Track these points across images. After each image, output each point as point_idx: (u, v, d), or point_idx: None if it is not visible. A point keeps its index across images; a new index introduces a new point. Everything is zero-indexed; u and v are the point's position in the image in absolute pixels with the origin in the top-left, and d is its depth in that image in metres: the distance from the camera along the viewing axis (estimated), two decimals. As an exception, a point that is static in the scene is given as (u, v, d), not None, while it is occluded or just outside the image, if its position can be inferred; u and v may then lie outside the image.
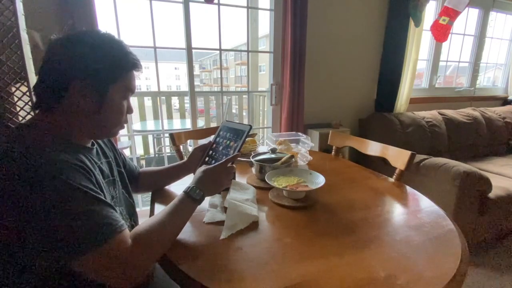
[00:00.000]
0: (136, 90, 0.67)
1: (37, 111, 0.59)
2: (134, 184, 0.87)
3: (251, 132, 0.86)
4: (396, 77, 2.41)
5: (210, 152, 0.88)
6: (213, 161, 0.83)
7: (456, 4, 2.29)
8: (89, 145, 0.67)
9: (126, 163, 0.86)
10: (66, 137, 0.59)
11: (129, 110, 0.68)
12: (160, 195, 0.91)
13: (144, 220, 0.61)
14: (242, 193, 0.86)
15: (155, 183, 0.94)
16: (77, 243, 0.47)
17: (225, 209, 0.78)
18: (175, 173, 0.94)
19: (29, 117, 0.96)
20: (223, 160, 0.76)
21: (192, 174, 0.90)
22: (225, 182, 0.76)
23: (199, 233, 0.69)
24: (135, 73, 0.66)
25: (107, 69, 0.58)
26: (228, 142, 0.85)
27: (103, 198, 0.54)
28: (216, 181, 0.73)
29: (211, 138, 0.92)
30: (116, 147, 0.83)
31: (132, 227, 0.73)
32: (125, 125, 0.70)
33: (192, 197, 0.65)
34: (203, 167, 0.74)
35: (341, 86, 2.41)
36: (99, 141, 0.76)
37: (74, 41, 0.57)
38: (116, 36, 0.63)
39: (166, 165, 0.99)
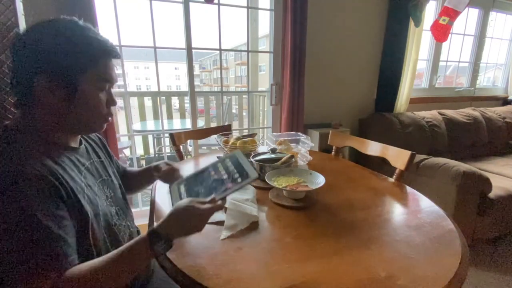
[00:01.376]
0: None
1: (17, 111, 0.57)
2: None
3: (252, 133, 0.85)
4: (396, 77, 2.41)
5: (198, 177, 0.74)
6: (199, 190, 0.69)
7: (456, 4, 2.29)
8: (75, 144, 0.64)
9: (119, 165, 0.86)
10: (46, 137, 0.56)
11: (112, 102, 0.64)
12: (160, 196, 0.91)
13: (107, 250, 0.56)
14: (242, 193, 0.86)
15: (129, 187, 0.88)
16: (7, 271, 0.44)
17: (225, 209, 0.78)
18: (149, 177, 0.89)
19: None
20: (208, 206, 0.58)
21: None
22: (199, 228, 0.58)
23: (199, 233, 0.69)
24: (114, 61, 0.61)
25: (72, 59, 0.54)
26: (225, 177, 0.68)
27: (52, 227, 0.47)
28: (191, 225, 0.57)
29: (215, 137, 0.89)
30: (107, 148, 0.80)
31: (128, 227, 0.72)
32: (110, 119, 0.65)
33: (154, 249, 0.52)
34: (183, 204, 0.57)
35: (341, 86, 2.41)
36: (90, 140, 0.74)
37: (34, 34, 0.54)
38: (82, 22, 0.58)
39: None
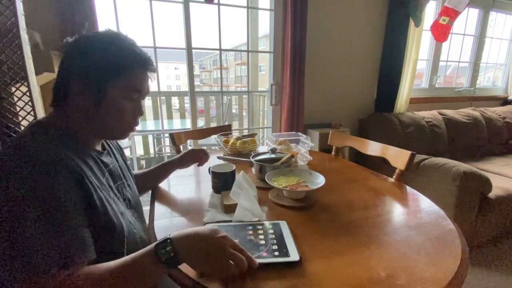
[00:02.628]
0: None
1: (53, 109, 0.61)
2: None
3: (252, 133, 0.85)
4: (396, 77, 2.42)
5: (235, 228, 0.68)
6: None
7: (456, 4, 2.29)
8: (99, 148, 0.67)
9: (131, 169, 0.87)
10: (75, 135, 0.59)
11: (138, 112, 0.66)
12: (160, 196, 0.91)
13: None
14: (251, 189, 0.86)
15: (144, 185, 0.94)
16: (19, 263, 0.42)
17: (225, 208, 0.78)
18: (166, 171, 0.98)
19: (29, 117, 0.96)
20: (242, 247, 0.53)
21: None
22: (222, 267, 0.50)
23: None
24: (148, 73, 0.64)
25: (105, 66, 0.57)
26: (262, 242, 0.62)
27: (80, 217, 0.49)
28: (212, 257, 0.49)
29: (215, 137, 0.90)
30: (122, 150, 0.83)
31: (143, 230, 0.72)
32: (135, 128, 0.68)
33: (157, 255, 0.47)
34: (215, 227, 0.53)
35: (341, 86, 2.41)
36: (111, 143, 0.76)
37: (79, 41, 0.58)
38: (124, 35, 0.61)
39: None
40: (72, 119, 0.59)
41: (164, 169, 0.97)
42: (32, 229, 0.43)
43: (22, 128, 0.94)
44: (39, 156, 0.48)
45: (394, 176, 1.09)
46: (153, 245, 0.49)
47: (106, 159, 0.67)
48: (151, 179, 0.96)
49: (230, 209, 0.78)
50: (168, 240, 0.48)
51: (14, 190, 0.44)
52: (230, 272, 0.49)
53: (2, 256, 0.43)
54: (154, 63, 0.65)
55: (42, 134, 0.54)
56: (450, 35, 2.46)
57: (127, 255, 0.51)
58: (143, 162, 3.53)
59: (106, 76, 0.58)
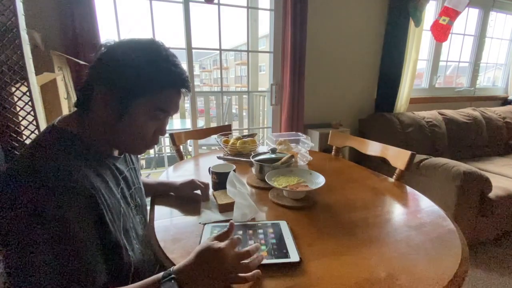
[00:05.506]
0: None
1: (75, 110, 0.59)
2: None
3: (252, 133, 0.85)
4: (396, 77, 2.42)
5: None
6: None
7: (456, 4, 2.29)
8: (116, 153, 0.65)
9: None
10: (92, 143, 0.57)
11: (160, 132, 0.63)
12: (160, 196, 0.91)
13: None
14: (243, 188, 0.86)
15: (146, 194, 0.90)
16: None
17: (220, 207, 0.78)
18: (161, 191, 0.92)
19: (29, 117, 0.96)
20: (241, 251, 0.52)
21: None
22: (230, 282, 0.50)
23: (199, 233, 0.69)
24: (182, 92, 0.61)
25: (134, 82, 0.54)
26: (262, 242, 0.63)
27: (89, 244, 0.48)
28: (217, 279, 0.49)
29: (215, 137, 0.89)
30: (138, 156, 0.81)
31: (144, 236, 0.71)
32: (154, 146, 0.66)
33: None
34: (206, 244, 0.52)
35: (341, 86, 2.41)
36: None
37: (115, 47, 0.56)
38: (165, 49, 0.58)
39: (167, 166, 0.98)
40: (91, 127, 0.57)
41: (161, 189, 0.93)
42: (42, 264, 0.42)
43: (22, 128, 0.94)
44: (52, 181, 0.46)
45: (394, 176, 1.09)
46: (156, 280, 0.47)
47: (121, 165, 0.65)
48: (146, 192, 0.90)
49: (224, 208, 0.78)
50: (171, 277, 0.47)
51: (24, 219, 0.43)
52: (240, 281, 0.51)
53: None
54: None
55: (57, 145, 0.52)
56: (450, 35, 2.46)
57: (133, 273, 0.51)
58: (143, 162, 3.53)
59: (134, 92, 0.55)
